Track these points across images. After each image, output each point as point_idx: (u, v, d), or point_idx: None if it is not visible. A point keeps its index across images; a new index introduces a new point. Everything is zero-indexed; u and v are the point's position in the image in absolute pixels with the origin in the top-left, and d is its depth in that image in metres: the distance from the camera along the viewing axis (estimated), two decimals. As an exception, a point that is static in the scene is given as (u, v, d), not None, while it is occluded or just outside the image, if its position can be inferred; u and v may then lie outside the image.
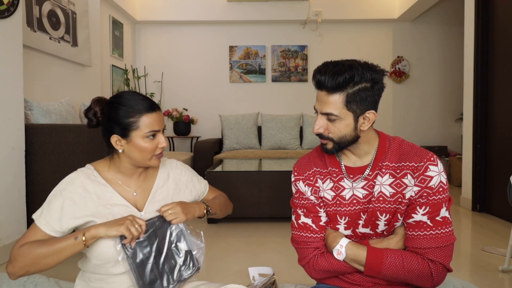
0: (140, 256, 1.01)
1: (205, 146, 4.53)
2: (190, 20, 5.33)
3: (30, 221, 1.95)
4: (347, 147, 1.04)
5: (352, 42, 5.45)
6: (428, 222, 0.97)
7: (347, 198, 1.05)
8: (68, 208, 0.99)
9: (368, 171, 1.04)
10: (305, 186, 1.09)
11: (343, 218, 1.06)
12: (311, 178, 1.10)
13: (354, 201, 1.05)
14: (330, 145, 1.03)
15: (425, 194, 0.97)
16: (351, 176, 1.06)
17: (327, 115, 0.99)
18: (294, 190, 1.13)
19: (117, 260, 1.00)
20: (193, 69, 5.51)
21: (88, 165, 1.09)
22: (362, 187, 1.04)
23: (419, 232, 0.97)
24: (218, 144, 5.05)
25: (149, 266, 1.01)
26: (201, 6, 5.27)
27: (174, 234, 1.09)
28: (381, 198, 1.02)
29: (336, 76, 0.94)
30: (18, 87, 2.32)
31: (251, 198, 3.05)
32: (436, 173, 0.98)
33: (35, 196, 2.35)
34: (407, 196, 1.00)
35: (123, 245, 0.99)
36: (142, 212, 1.09)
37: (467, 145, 3.65)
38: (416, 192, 0.99)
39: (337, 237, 1.04)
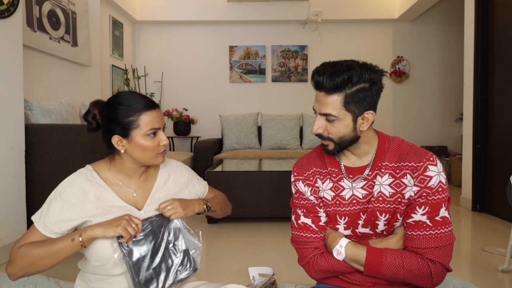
0: (136, 254, 1.01)
1: (205, 146, 4.53)
2: (190, 20, 5.33)
3: (30, 221, 1.95)
4: (348, 147, 1.04)
5: (352, 42, 5.45)
6: (428, 222, 0.97)
7: (346, 198, 1.05)
8: (67, 211, 0.99)
9: (368, 171, 1.04)
10: (304, 186, 1.09)
11: (343, 218, 1.06)
12: (311, 178, 1.10)
13: (354, 201, 1.05)
14: (331, 146, 1.03)
15: (424, 194, 0.98)
16: (351, 176, 1.06)
17: (326, 115, 0.99)
18: (293, 190, 1.13)
19: (116, 261, 1.00)
20: (193, 69, 5.51)
21: (87, 166, 1.09)
22: (362, 187, 1.05)
23: (418, 232, 0.97)
24: (218, 144, 5.05)
25: (145, 265, 1.01)
26: (201, 6, 5.27)
27: (171, 234, 1.08)
28: (380, 198, 1.02)
29: (334, 76, 0.94)
30: (18, 87, 2.32)
31: (251, 198, 3.05)
32: (436, 173, 0.98)
33: (35, 196, 2.35)
34: (407, 196, 1.00)
35: (120, 244, 0.99)
36: (141, 211, 1.09)
37: (467, 145, 3.65)
38: (415, 192, 0.99)
39: (337, 237, 1.04)
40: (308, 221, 1.07)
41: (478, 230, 2.96)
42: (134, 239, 1.01)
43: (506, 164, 3.18)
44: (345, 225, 1.06)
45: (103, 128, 1.07)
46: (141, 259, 1.01)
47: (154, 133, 1.04)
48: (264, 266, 1.26)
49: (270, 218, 3.18)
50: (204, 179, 1.35)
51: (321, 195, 1.08)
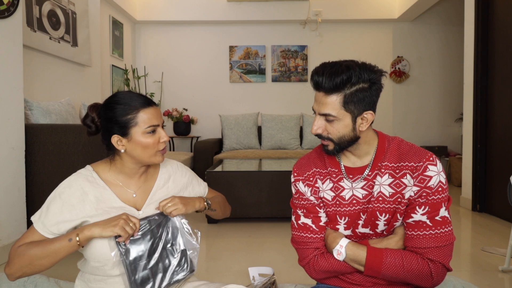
0: (133, 254, 1.00)
1: (205, 146, 4.53)
2: (190, 20, 5.33)
3: (29, 221, 1.95)
4: (347, 147, 1.04)
5: (352, 42, 5.45)
6: (428, 221, 0.97)
7: (346, 199, 1.05)
8: (66, 212, 0.99)
9: (368, 171, 1.04)
10: (304, 186, 1.09)
11: (343, 218, 1.06)
12: (311, 179, 1.10)
13: (354, 201, 1.05)
14: (331, 146, 1.03)
15: (424, 194, 0.98)
16: (351, 176, 1.06)
17: (325, 116, 0.99)
18: (294, 191, 1.13)
19: (115, 262, 1.00)
20: (193, 69, 5.51)
21: (87, 166, 1.09)
22: (362, 187, 1.05)
23: (418, 232, 0.98)
24: (218, 144, 5.05)
25: (142, 264, 1.01)
26: (201, 6, 5.27)
27: (170, 233, 1.08)
28: (380, 198, 1.02)
29: (333, 77, 0.94)
30: (18, 87, 2.32)
31: (251, 198, 3.05)
32: (435, 173, 0.98)
33: (35, 196, 2.35)
34: (407, 196, 1.00)
35: (117, 242, 0.98)
36: (140, 212, 1.09)
37: (467, 145, 3.65)
38: (415, 192, 0.99)
39: (337, 237, 1.04)
40: (308, 221, 1.07)
41: (478, 230, 2.96)
42: (131, 238, 1.00)
43: (506, 164, 3.18)
44: (345, 225, 1.06)
45: (102, 129, 1.07)
46: (138, 258, 1.01)
47: (154, 131, 1.04)
48: (264, 266, 1.26)
49: (270, 218, 3.18)
50: (204, 179, 1.36)
51: (321, 195, 1.08)
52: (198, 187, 1.27)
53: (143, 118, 1.02)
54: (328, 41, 5.47)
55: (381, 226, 1.03)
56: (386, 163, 1.03)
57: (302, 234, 1.07)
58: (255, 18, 5.29)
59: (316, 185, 1.09)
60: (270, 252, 2.45)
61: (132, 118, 1.02)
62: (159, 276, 1.04)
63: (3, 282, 1.26)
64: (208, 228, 2.99)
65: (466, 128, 3.67)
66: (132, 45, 5.41)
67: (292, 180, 1.13)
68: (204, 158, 4.46)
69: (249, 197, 3.05)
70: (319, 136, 1.03)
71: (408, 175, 1.00)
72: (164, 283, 1.04)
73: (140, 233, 1.02)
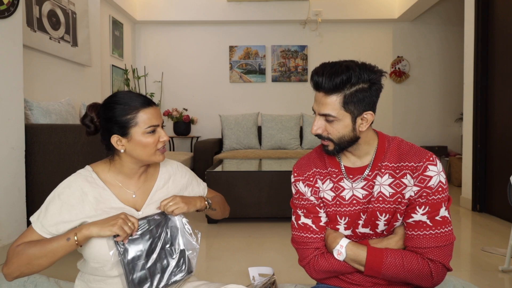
0: (132, 253, 1.00)
1: (205, 146, 4.53)
2: (190, 20, 5.33)
3: (29, 222, 1.95)
4: (347, 148, 1.04)
5: (352, 42, 5.45)
6: (428, 221, 0.97)
7: (347, 199, 1.05)
8: (66, 213, 0.99)
9: (368, 171, 1.04)
10: (305, 186, 1.09)
11: (343, 218, 1.06)
12: (311, 179, 1.10)
13: (354, 201, 1.05)
14: (331, 147, 1.03)
15: (424, 194, 0.98)
16: (351, 176, 1.06)
17: (325, 116, 0.99)
18: (294, 191, 1.13)
19: (114, 263, 1.00)
20: (193, 69, 5.51)
21: (87, 167, 1.09)
22: (362, 188, 1.05)
23: (418, 232, 0.98)
24: (218, 144, 5.05)
25: (140, 264, 1.01)
26: (201, 6, 5.27)
27: (169, 233, 1.08)
28: (380, 198, 1.02)
29: (333, 77, 0.94)
30: (18, 87, 2.32)
31: (251, 198, 3.05)
32: (435, 172, 0.98)
33: (35, 196, 2.35)
34: (407, 196, 1.00)
35: (116, 242, 0.98)
36: (140, 212, 1.09)
37: (467, 145, 3.65)
38: (415, 192, 0.99)
39: (337, 238, 1.04)
40: (309, 221, 1.07)
41: (478, 230, 2.96)
42: (130, 238, 1.00)
43: (506, 164, 3.18)
44: (346, 225, 1.06)
45: (102, 129, 1.06)
46: (136, 258, 1.01)
47: (154, 131, 1.04)
48: (264, 266, 1.26)
49: (270, 218, 3.18)
50: (204, 179, 1.36)
51: (321, 196, 1.08)
52: (197, 188, 1.27)
53: (143, 118, 1.02)
54: (328, 41, 5.47)
55: (381, 226, 1.03)
56: (386, 163, 1.03)
57: (302, 234, 1.07)
58: (255, 18, 5.29)
59: (316, 185, 1.09)
60: (270, 252, 2.45)
61: (132, 118, 1.02)
62: (157, 276, 1.03)
63: (3, 282, 1.26)
64: (208, 228, 2.99)
65: (466, 128, 3.67)
66: (132, 45, 5.41)
67: (292, 180, 1.13)
68: (204, 158, 4.46)
69: (249, 197, 3.05)
70: (319, 136, 1.03)
71: (408, 175, 1.00)
72: (162, 284, 1.04)
73: (139, 232, 1.02)
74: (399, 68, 5.41)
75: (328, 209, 1.07)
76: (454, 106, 5.37)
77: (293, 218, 1.12)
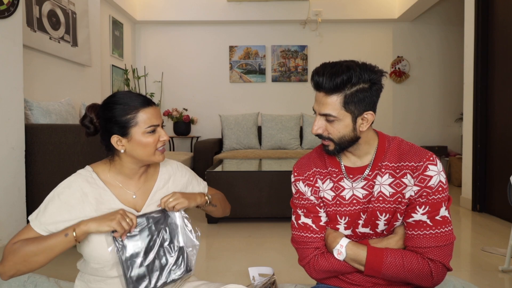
0: (130, 250, 1.00)
1: (205, 146, 4.53)
2: (190, 20, 5.33)
3: (29, 221, 1.94)
4: (348, 147, 1.04)
5: (352, 42, 5.45)
6: (428, 221, 0.97)
7: (347, 198, 1.05)
8: (65, 213, 0.99)
9: (368, 171, 1.04)
10: (305, 186, 1.09)
11: (343, 218, 1.06)
12: (311, 179, 1.10)
13: (354, 201, 1.05)
14: (331, 147, 1.03)
15: (424, 193, 0.98)
16: (351, 176, 1.06)
17: (326, 116, 0.99)
18: (294, 191, 1.13)
19: (114, 264, 1.00)
20: (193, 69, 5.51)
21: (87, 167, 1.09)
22: (362, 187, 1.05)
23: (418, 232, 0.98)
24: (218, 144, 5.05)
25: (138, 261, 1.01)
26: (201, 6, 5.28)
27: (168, 231, 1.08)
28: (380, 198, 1.02)
29: (334, 77, 0.94)
30: (18, 87, 2.32)
31: (251, 198, 3.05)
32: (436, 172, 0.98)
33: (35, 196, 2.35)
34: (407, 195, 1.00)
35: (114, 238, 0.98)
36: (140, 213, 1.08)
37: (467, 145, 3.65)
38: (415, 192, 0.99)
39: (337, 237, 1.04)
40: (309, 221, 1.07)
41: (478, 230, 2.96)
42: (128, 234, 1.00)
43: (506, 164, 3.18)
44: (346, 225, 1.06)
45: (101, 129, 1.06)
46: (135, 255, 1.00)
47: (154, 130, 1.04)
48: (264, 266, 1.26)
49: (270, 218, 3.18)
50: (204, 179, 1.36)
51: (322, 195, 1.08)
52: (198, 187, 1.27)
53: (143, 118, 1.02)
54: (328, 41, 5.47)
55: (381, 225, 1.03)
56: (386, 163, 1.03)
57: (302, 234, 1.07)
58: (255, 18, 5.29)
59: (316, 185, 1.09)
60: (270, 252, 2.45)
61: (132, 118, 1.02)
62: (156, 274, 1.03)
63: (3, 282, 1.26)
64: (208, 228, 2.99)
65: (466, 128, 3.67)
66: (132, 45, 5.41)
67: (292, 180, 1.13)
68: (204, 158, 4.46)
69: (249, 197, 3.05)
70: (319, 136, 1.03)
71: (408, 175, 1.00)
72: (161, 282, 1.04)
73: (137, 229, 1.02)
74: (399, 68, 5.42)
75: (328, 209, 1.07)
76: (454, 106, 5.37)
77: (293, 217, 1.12)
